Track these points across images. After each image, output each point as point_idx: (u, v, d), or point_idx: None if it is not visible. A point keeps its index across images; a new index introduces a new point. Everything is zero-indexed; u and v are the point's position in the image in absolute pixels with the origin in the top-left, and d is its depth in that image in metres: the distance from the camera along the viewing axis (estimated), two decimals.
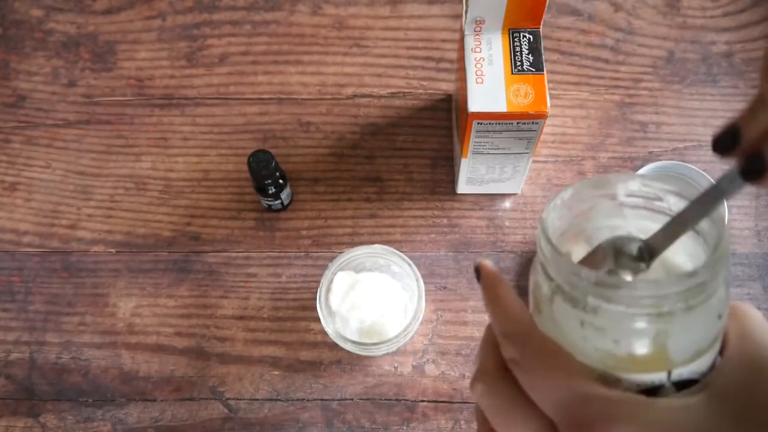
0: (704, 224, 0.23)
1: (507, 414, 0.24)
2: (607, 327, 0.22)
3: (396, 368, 0.57)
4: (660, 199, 0.25)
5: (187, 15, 0.69)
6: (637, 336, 0.22)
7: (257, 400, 0.57)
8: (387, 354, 0.57)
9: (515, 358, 0.24)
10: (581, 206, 0.25)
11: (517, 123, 0.50)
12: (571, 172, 0.63)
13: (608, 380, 0.23)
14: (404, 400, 0.56)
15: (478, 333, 0.58)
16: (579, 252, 0.26)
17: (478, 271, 0.28)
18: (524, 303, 0.26)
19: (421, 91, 0.66)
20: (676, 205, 0.24)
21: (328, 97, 0.66)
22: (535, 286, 0.25)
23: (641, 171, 0.58)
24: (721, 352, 0.24)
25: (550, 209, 0.25)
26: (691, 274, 0.21)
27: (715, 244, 0.22)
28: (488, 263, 0.27)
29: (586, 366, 0.23)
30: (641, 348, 0.22)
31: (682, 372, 0.22)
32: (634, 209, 0.25)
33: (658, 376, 0.22)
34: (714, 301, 0.22)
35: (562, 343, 0.24)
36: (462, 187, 0.61)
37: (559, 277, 0.23)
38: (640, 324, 0.22)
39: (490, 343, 0.26)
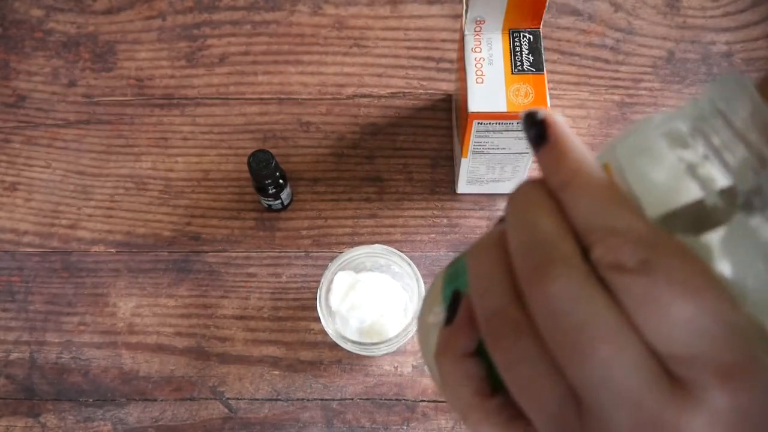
0: None
1: (602, 322, 0.17)
2: None
3: (396, 368, 0.57)
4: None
5: (187, 15, 0.69)
6: None
7: (257, 399, 0.57)
8: (387, 354, 0.57)
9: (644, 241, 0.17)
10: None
11: (518, 123, 0.50)
12: None
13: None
14: (404, 399, 0.56)
15: None
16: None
17: (544, 125, 0.19)
18: None
19: (421, 91, 0.66)
20: None
21: (328, 97, 0.66)
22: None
23: None
24: None
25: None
26: None
27: None
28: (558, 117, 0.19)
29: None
30: None
31: None
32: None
33: None
34: None
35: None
36: (462, 187, 0.61)
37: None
38: None
39: (564, 227, 0.18)
